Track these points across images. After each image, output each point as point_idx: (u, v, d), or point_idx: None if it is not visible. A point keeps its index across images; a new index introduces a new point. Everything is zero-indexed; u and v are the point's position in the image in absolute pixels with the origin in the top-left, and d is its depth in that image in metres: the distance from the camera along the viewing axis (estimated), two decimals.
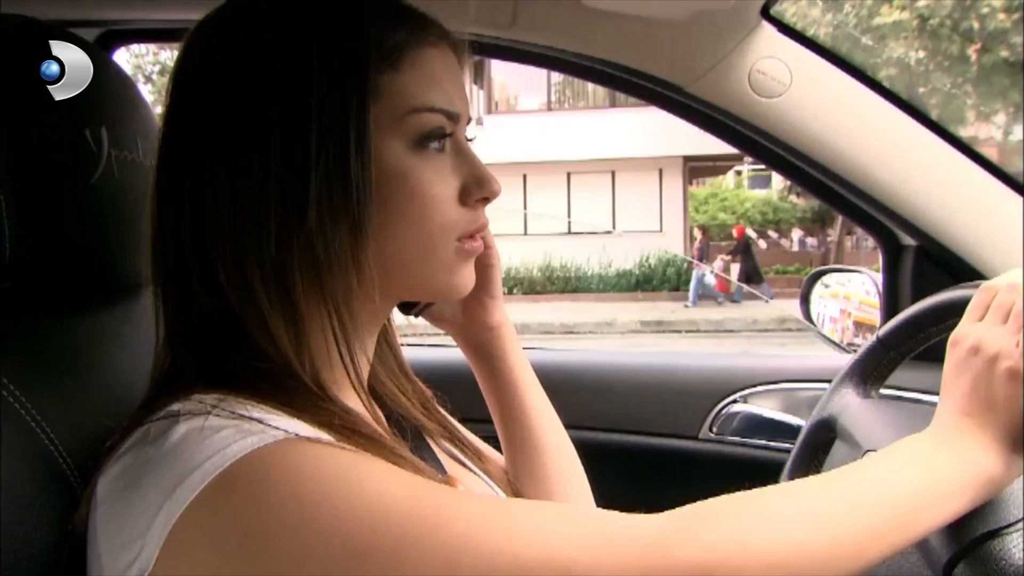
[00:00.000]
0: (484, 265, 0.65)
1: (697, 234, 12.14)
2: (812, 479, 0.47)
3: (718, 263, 11.93)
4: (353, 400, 0.50)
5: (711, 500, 0.43)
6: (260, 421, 0.42)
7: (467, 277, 0.54)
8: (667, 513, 0.42)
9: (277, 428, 0.41)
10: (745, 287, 11.22)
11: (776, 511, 0.43)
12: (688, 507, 0.43)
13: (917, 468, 0.47)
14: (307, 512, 0.39)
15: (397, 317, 0.64)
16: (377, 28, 0.48)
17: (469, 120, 0.54)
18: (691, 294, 11.39)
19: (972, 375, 0.50)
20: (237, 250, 0.46)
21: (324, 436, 0.44)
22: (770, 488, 0.45)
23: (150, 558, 0.39)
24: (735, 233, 12.34)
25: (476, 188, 0.52)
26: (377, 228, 0.47)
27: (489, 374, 0.70)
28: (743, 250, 12.01)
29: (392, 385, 0.63)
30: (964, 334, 0.52)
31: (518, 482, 0.68)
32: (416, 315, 0.67)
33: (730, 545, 0.41)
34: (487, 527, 0.40)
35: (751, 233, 16.91)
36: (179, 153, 0.49)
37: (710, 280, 11.47)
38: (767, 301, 11.14)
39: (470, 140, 0.54)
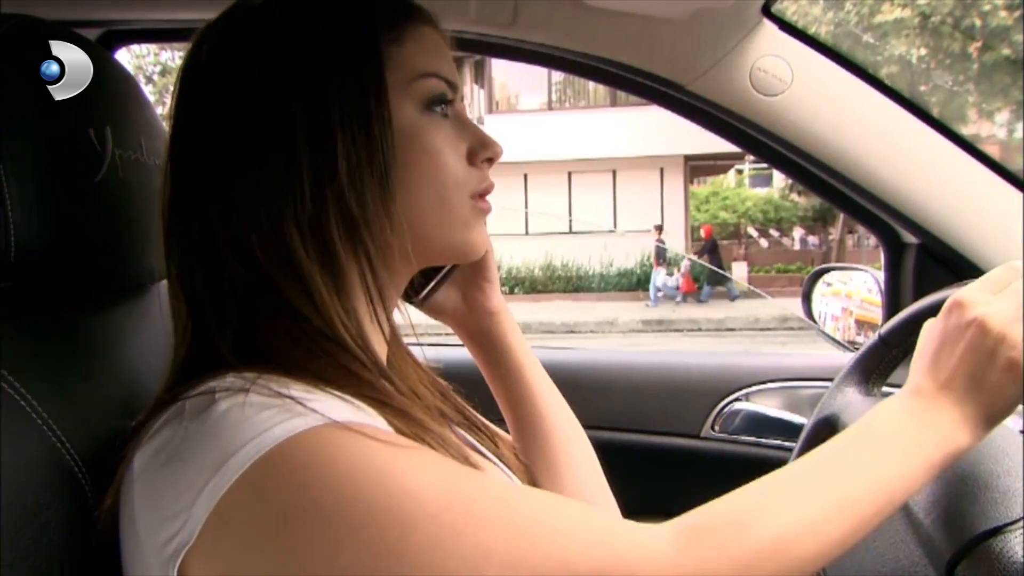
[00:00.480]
0: None
1: (653, 233, 12.16)
2: (803, 478, 0.47)
3: (685, 262, 12.11)
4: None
5: (708, 513, 0.45)
6: (299, 402, 0.43)
7: (483, 235, 0.57)
8: (667, 528, 0.44)
9: (315, 411, 0.43)
10: (714, 288, 11.35)
11: (772, 523, 0.44)
12: (688, 519, 0.45)
13: (897, 455, 0.48)
14: (341, 505, 0.40)
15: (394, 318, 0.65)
16: (381, 8, 0.53)
17: (462, 97, 0.58)
18: (651, 294, 11.50)
19: (965, 347, 0.49)
20: (272, 214, 0.48)
21: (357, 417, 0.45)
22: (765, 494, 0.46)
23: (193, 532, 0.41)
24: (703, 233, 12.37)
25: (481, 149, 0.56)
26: (399, 185, 0.51)
27: (493, 361, 0.70)
28: (710, 250, 12.09)
29: (408, 370, 0.64)
30: (971, 301, 0.50)
31: (531, 466, 0.68)
32: (421, 303, 0.68)
33: (732, 565, 0.42)
34: (510, 534, 0.42)
35: (752, 232, 16.91)
36: (199, 134, 0.51)
37: (673, 281, 11.67)
38: (731, 300, 11.34)
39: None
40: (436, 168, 0.53)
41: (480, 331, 0.70)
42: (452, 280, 0.70)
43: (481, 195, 0.56)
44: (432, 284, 0.68)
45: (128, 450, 0.47)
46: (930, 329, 0.53)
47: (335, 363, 0.48)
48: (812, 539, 0.44)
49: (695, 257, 12.33)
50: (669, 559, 0.42)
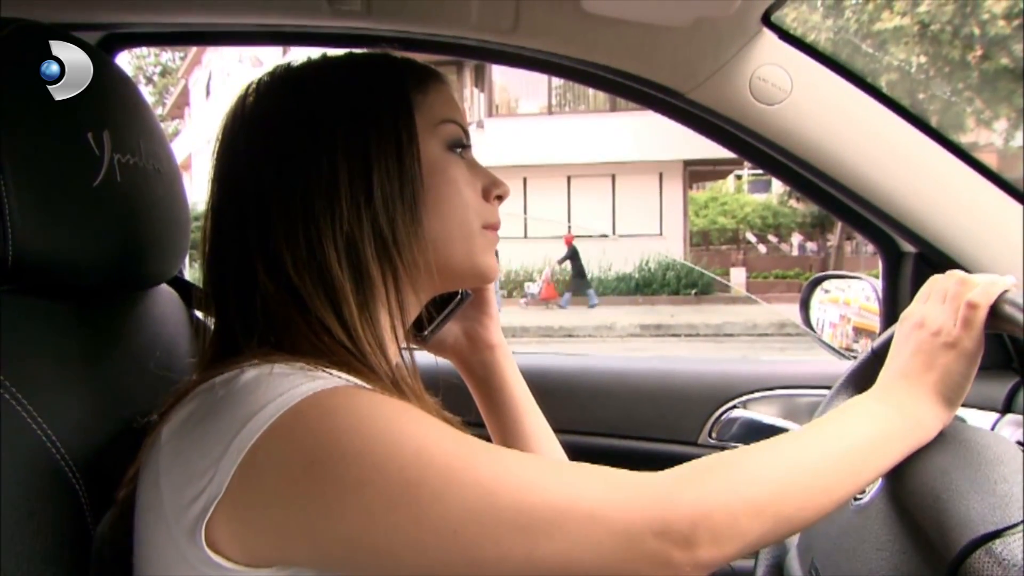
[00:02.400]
0: (479, 288, 0.73)
1: None
2: (786, 438, 0.55)
3: (547, 270, 12.53)
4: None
5: (705, 458, 0.51)
6: (321, 370, 0.48)
7: (495, 261, 0.64)
8: (668, 470, 0.49)
9: (338, 377, 0.48)
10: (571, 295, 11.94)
11: (760, 465, 0.51)
12: (685, 464, 0.50)
13: (867, 422, 0.57)
14: (367, 444, 0.44)
15: None
16: (408, 65, 0.61)
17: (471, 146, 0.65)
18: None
19: (915, 344, 0.61)
20: (310, 234, 0.54)
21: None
22: (752, 446, 0.53)
23: (221, 485, 0.43)
24: (564, 241, 12.55)
25: (493, 188, 0.63)
26: (427, 212, 0.57)
27: (489, 393, 0.75)
28: (571, 256, 12.25)
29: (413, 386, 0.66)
30: (911, 312, 0.64)
31: None
32: (427, 337, 0.72)
33: (724, 493, 0.48)
34: (521, 470, 0.46)
35: (750, 237, 16.93)
36: (243, 166, 0.56)
37: (535, 287, 12.29)
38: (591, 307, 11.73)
39: None
40: (458, 197, 0.60)
41: (479, 364, 0.75)
42: (454, 316, 0.73)
43: (493, 227, 0.63)
44: (440, 317, 0.71)
45: (154, 428, 0.50)
46: (892, 341, 0.64)
47: (351, 368, 0.52)
48: (792, 484, 0.50)
49: (557, 265, 12.52)
50: (661, 489, 0.47)
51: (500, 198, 0.64)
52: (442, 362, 0.76)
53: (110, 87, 0.66)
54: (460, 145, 0.61)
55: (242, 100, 0.59)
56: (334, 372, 0.49)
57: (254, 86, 0.59)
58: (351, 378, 0.49)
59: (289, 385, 0.45)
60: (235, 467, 0.43)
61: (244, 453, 0.43)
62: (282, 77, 0.59)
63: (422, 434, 0.45)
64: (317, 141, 0.55)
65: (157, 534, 0.46)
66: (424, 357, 0.78)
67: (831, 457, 0.53)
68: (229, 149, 0.58)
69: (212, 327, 0.57)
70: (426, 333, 0.71)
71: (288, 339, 0.53)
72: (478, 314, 0.75)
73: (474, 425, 0.71)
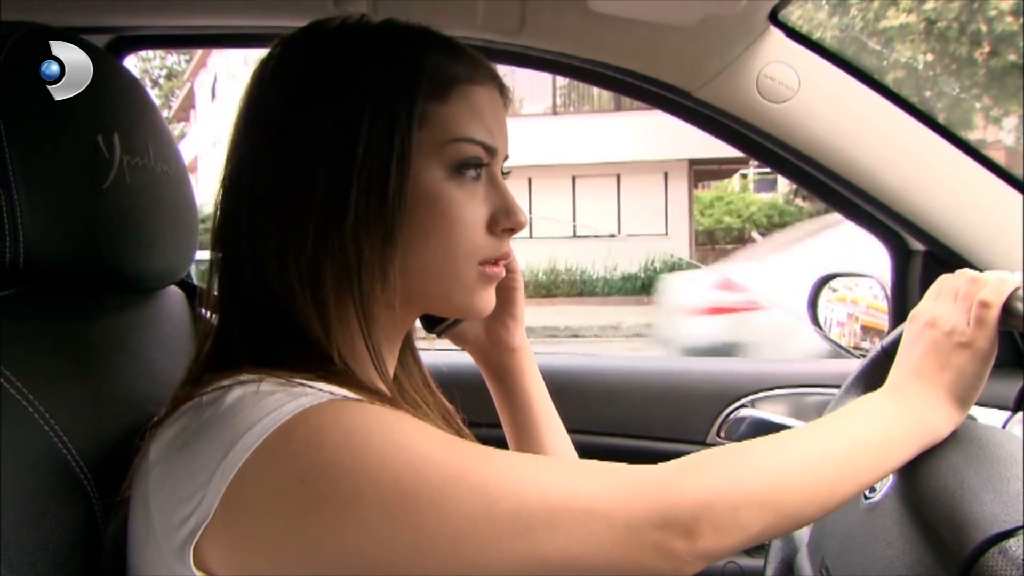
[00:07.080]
0: (507, 288, 0.70)
1: None
2: (792, 433, 0.55)
3: None
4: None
5: (709, 450, 0.50)
6: (308, 386, 0.46)
7: (487, 300, 0.57)
8: (670, 462, 0.49)
9: (323, 391, 0.46)
10: None
11: (764, 457, 0.51)
12: (688, 456, 0.49)
13: (875, 421, 0.56)
14: (359, 458, 0.43)
15: None
16: (433, 62, 0.53)
17: (506, 156, 0.58)
18: None
19: (927, 344, 0.60)
20: (281, 249, 0.51)
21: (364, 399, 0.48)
22: (759, 439, 0.52)
23: (210, 508, 0.42)
24: None
25: (504, 218, 0.56)
26: (407, 243, 0.52)
27: (506, 395, 0.73)
28: None
29: (413, 394, 0.66)
30: (922, 310, 0.63)
31: None
32: (439, 334, 0.70)
33: (726, 483, 0.47)
34: (517, 472, 0.45)
35: (756, 236, 16.86)
36: (242, 167, 0.53)
37: None
38: None
39: (505, 174, 0.58)
40: (449, 233, 0.53)
41: (498, 364, 0.72)
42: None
43: (493, 262, 0.56)
44: (447, 323, 0.69)
45: (144, 445, 0.49)
46: (902, 340, 0.63)
47: (343, 381, 0.50)
48: (797, 478, 0.50)
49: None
50: (661, 482, 0.47)
51: (511, 231, 0.57)
52: (465, 362, 0.75)
53: (119, 90, 0.67)
54: (474, 165, 0.54)
55: (262, 67, 0.54)
56: (324, 386, 0.47)
57: (265, 60, 0.54)
58: (342, 391, 0.48)
59: (275, 404, 0.44)
60: (222, 491, 0.42)
61: (232, 477, 0.42)
62: (289, 54, 0.54)
63: (416, 444, 0.44)
64: (302, 150, 0.51)
65: (147, 552, 0.45)
66: (452, 357, 0.78)
67: (837, 453, 0.53)
68: (231, 141, 0.54)
69: (212, 333, 0.55)
70: (435, 332, 0.70)
71: (280, 351, 0.50)
72: (502, 314, 0.70)
73: (492, 426, 0.72)
